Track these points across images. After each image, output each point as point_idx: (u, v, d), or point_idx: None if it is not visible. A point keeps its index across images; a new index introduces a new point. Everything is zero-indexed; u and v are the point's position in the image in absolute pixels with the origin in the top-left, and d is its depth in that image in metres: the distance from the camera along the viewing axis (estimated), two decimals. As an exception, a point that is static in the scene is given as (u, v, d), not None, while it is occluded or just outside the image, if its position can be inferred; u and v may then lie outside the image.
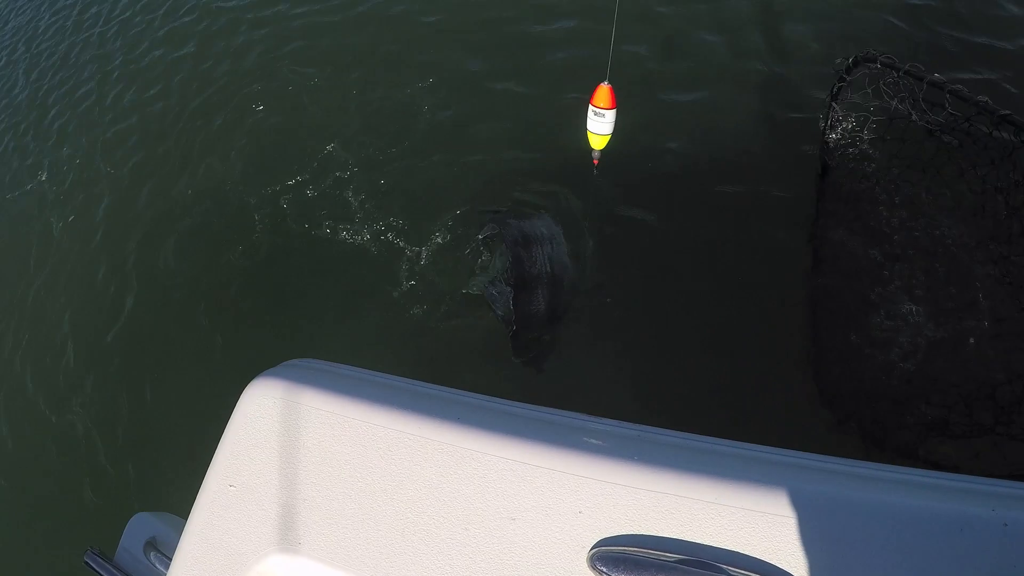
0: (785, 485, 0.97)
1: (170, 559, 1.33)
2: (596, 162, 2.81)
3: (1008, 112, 2.23)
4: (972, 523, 0.89)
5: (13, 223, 5.33)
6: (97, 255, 4.59)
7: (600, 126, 2.59)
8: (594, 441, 1.06)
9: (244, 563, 1.13)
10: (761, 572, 0.92)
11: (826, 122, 3.16)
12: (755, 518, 0.95)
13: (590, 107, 2.56)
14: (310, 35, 5.15)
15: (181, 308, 4.04)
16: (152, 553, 1.37)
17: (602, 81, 2.49)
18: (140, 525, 1.44)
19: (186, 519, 1.28)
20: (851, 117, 3.10)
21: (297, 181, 4.25)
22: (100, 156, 5.23)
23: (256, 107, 4.84)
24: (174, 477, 3.24)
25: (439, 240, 3.68)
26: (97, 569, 1.39)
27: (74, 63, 6.31)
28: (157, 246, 4.40)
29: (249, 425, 1.23)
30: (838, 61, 2.95)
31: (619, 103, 2.51)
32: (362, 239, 3.83)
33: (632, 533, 0.98)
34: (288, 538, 1.12)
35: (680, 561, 0.95)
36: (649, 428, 1.11)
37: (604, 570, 0.96)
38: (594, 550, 0.98)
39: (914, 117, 2.57)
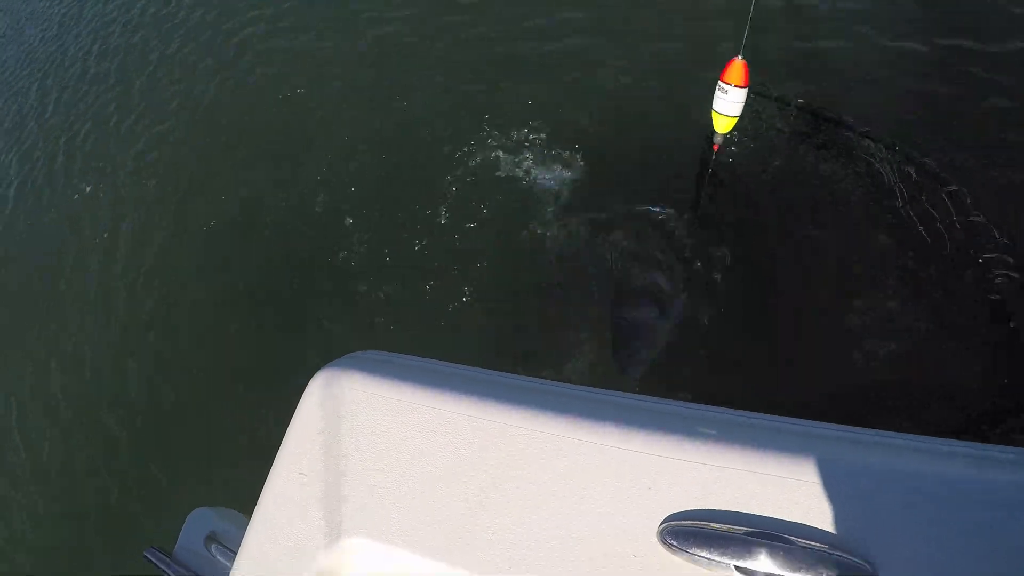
0: (850, 460, 1.00)
1: (232, 551, 1.36)
2: (716, 148, 2.59)
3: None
4: None
5: (56, 233, 5.47)
6: (157, 260, 4.73)
7: (727, 106, 2.40)
8: (660, 420, 1.10)
9: (314, 547, 1.16)
10: (827, 543, 0.95)
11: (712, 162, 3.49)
12: (819, 490, 0.98)
13: (719, 84, 2.37)
14: (335, 61, 5.34)
15: (240, 305, 4.14)
16: (213, 545, 1.39)
17: (736, 55, 2.31)
18: (199, 520, 1.47)
19: (244, 513, 1.32)
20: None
21: (359, 193, 4.36)
22: (133, 175, 5.40)
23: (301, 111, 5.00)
24: (232, 472, 3.28)
25: (499, 237, 3.72)
26: (158, 564, 1.41)
27: (105, 83, 6.54)
28: (216, 250, 4.52)
29: (315, 414, 1.27)
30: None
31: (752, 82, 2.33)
32: (424, 238, 3.88)
33: (701, 508, 1.01)
34: (357, 521, 1.15)
35: (748, 534, 0.98)
36: (712, 408, 1.15)
37: (675, 544, 0.99)
38: (664, 525, 1.01)
39: (781, 127, 3.30)
